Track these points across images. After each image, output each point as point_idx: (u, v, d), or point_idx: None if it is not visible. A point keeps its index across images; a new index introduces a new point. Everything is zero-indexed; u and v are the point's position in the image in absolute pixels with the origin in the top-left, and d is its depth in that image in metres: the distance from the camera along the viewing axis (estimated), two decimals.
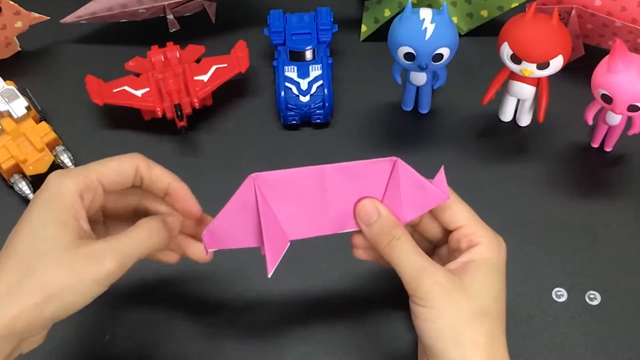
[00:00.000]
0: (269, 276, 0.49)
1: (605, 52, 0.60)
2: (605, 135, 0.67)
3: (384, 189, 0.50)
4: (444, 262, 0.50)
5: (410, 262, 0.48)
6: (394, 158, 0.49)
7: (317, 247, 0.61)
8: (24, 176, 0.65)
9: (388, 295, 0.59)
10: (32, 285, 0.44)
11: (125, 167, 0.50)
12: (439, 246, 0.54)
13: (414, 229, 0.54)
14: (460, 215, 0.51)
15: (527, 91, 0.66)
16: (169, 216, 0.51)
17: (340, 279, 0.61)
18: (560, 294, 0.60)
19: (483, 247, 0.49)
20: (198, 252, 0.53)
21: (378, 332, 0.59)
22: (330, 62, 0.71)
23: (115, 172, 0.49)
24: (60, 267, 0.45)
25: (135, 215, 0.53)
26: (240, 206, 0.49)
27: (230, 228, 0.50)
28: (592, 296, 0.60)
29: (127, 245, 0.47)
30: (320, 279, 0.61)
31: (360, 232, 0.51)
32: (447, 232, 0.52)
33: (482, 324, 0.47)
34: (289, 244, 0.51)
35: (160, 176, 0.51)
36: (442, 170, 0.50)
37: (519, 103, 0.69)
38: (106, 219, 0.53)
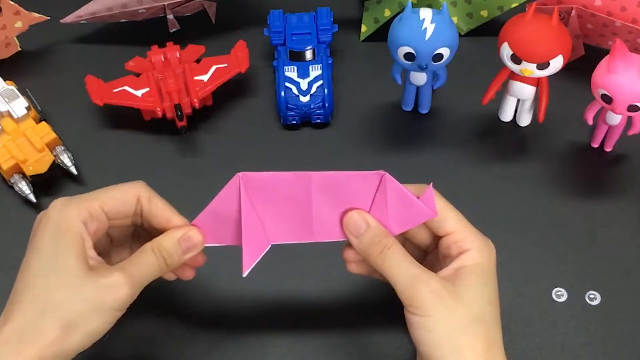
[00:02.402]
0: (244, 275, 0.49)
1: (605, 52, 0.60)
2: (605, 135, 0.67)
3: (371, 202, 0.49)
4: (434, 268, 0.50)
5: (403, 270, 0.48)
6: (381, 172, 0.49)
7: (315, 251, 0.60)
8: (24, 176, 0.65)
9: (386, 303, 0.58)
10: (52, 319, 0.45)
11: (127, 195, 0.50)
12: (428, 253, 0.54)
13: (403, 236, 0.53)
14: (449, 222, 0.50)
15: (527, 91, 0.66)
16: (170, 242, 0.49)
17: (338, 284, 0.61)
18: (560, 294, 0.60)
19: (474, 253, 0.49)
20: (186, 274, 0.53)
21: (374, 340, 0.58)
22: (330, 62, 0.71)
23: (118, 201, 0.50)
24: (77, 298, 0.45)
25: (134, 227, 0.53)
26: (225, 204, 0.49)
27: (214, 225, 0.50)
28: (592, 296, 0.60)
29: (139, 270, 0.48)
30: (318, 283, 0.61)
31: (350, 246, 0.51)
32: (437, 239, 0.52)
33: (479, 329, 0.47)
34: (270, 246, 0.51)
35: (159, 210, 0.50)
36: (430, 187, 0.49)
37: (519, 103, 0.69)
38: (109, 236, 0.53)
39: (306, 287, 0.61)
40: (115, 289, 0.46)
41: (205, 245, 0.51)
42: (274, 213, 0.50)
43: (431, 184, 0.50)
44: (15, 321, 0.45)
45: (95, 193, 0.50)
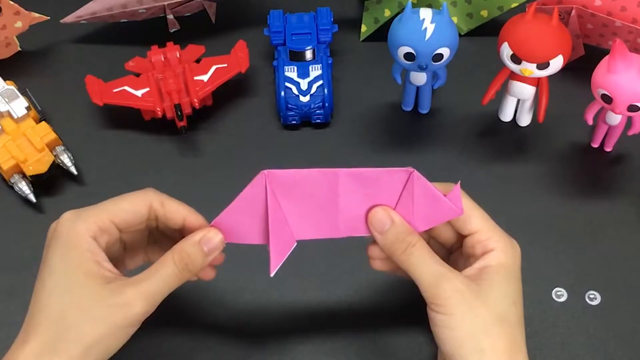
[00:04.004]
0: (272, 275, 0.49)
1: (605, 52, 0.60)
2: (605, 135, 0.67)
3: (397, 198, 0.49)
4: (458, 267, 0.50)
5: (427, 268, 0.48)
6: (410, 169, 0.48)
7: (329, 252, 0.61)
8: (24, 176, 0.65)
9: (407, 303, 0.58)
10: (69, 341, 0.45)
11: (137, 206, 0.49)
12: (452, 251, 0.54)
13: (428, 234, 0.53)
14: (475, 221, 0.50)
15: (527, 91, 0.66)
16: (191, 246, 0.49)
17: (357, 285, 0.60)
18: (560, 294, 0.60)
19: (498, 253, 0.49)
20: (208, 274, 0.52)
21: (395, 341, 0.58)
22: (330, 62, 0.71)
23: (127, 212, 0.49)
24: (92, 319, 0.45)
25: (148, 231, 0.52)
26: (249, 201, 0.48)
27: (237, 223, 0.49)
28: (592, 296, 0.60)
29: (155, 285, 0.47)
30: (336, 284, 0.61)
31: (375, 242, 0.50)
32: (462, 237, 0.51)
33: (502, 330, 0.47)
34: (296, 244, 0.50)
35: (174, 212, 0.50)
36: (458, 185, 0.49)
37: (519, 103, 0.69)
38: (122, 242, 0.52)
39: (315, 291, 0.61)
40: (128, 307, 0.46)
41: (229, 242, 0.50)
42: (298, 209, 0.49)
43: (459, 183, 0.49)
44: (33, 342, 0.45)
45: (104, 205, 0.49)
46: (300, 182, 0.48)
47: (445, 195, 0.49)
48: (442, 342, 0.47)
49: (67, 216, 0.48)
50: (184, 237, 0.49)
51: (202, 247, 0.48)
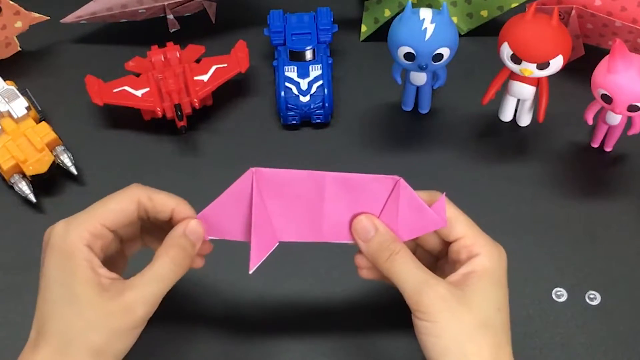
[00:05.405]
0: (250, 272, 0.49)
1: (605, 52, 0.60)
2: (605, 135, 0.67)
3: (382, 206, 0.49)
4: (445, 275, 0.49)
5: (410, 275, 0.48)
6: (396, 177, 0.48)
7: (324, 254, 0.61)
8: (24, 176, 0.65)
9: (397, 308, 0.57)
10: (78, 349, 0.45)
11: (125, 204, 0.49)
12: (439, 258, 0.53)
13: (415, 242, 0.53)
14: (460, 227, 0.50)
15: (527, 91, 0.66)
16: (181, 238, 0.49)
17: (348, 289, 0.60)
18: (560, 294, 0.60)
19: (483, 258, 0.49)
20: (197, 263, 0.52)
21: (384, 345, 0.58)
22: (330, 62, 0.71)
23: (116, 212, 0.49)
24: (95, 328, 0.46)
25: (141, 221, 0.52)
26: (235, 198, 0.48)
27: (222, 218, 0.49)
28: (592, 296, 0.60)
29: (154, 286, 0.47)
30: (328, 287, 0.61)
31: (362, 252, 0.50)
32: (447, 245, 0.51)
33: (487, 336, 0.47)
34: (277, 244, 0.50)
35: (162, 205, 0.50)
36: (443, 197, 0.49)
37: (519, 103, 0.69)
38: (118, 238, 0.52)
39: (315, 291, 0.61)
40: (130, 312, 0.46)
41: (211, 238, 0.50)
42: (283, 210, 0.49)
43: (444, 194, 0.49)
44: (44, 351, 0.46)
45: (93, 210, 0.49)
46: (288, 182, 0.48)
47: (429, 206, 0.49)
48: (427, 349, 0.47)
49: (60, 226, 0.48)
50: (173, 226, 0.50)
51: (189, 238, 0.49)
